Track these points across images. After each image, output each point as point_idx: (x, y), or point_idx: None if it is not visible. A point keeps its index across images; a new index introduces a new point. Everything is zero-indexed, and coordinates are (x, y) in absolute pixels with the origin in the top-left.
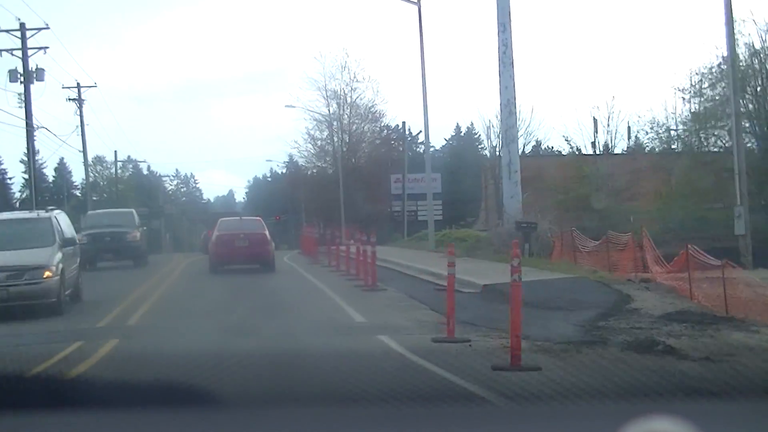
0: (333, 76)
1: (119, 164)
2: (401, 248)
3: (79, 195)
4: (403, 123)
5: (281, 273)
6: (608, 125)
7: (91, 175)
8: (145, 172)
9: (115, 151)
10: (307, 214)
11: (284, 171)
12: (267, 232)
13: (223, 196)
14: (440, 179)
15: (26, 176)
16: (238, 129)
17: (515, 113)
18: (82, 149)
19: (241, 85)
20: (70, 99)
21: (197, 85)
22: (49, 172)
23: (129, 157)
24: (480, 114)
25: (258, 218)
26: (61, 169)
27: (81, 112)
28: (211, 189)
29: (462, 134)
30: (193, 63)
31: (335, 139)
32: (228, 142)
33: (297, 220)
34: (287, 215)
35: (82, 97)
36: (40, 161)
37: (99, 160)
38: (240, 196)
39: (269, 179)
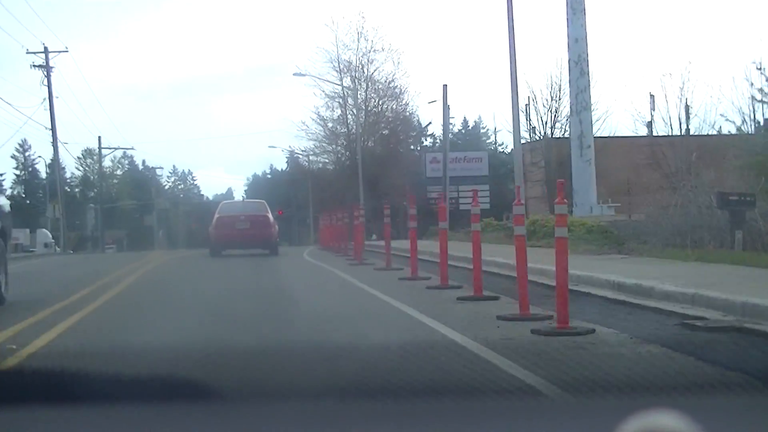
0: (347, 46)
1: (113, 160)
2: (462, 242)
3: (76, 192)
4: (444, 86)
5: (316, 280)
6: (681, 95)
7: (81, 169)
8: (140, 167)
9: (99, 137)
10: (315, 205)
11: (286, 163)
12: (270, 215)
13: (222, 194)
14: (486, 158)
15: (17, 173)
16: (238, 126)
17: (588, 73)
18: (51, 126)
19: (240, 82)
20: (35, 66)
21: (196, 81)
22: (42, 168)
23: (125, 153)
24: (483, 113)
25: (261, 201)
26: (54, 165)
27: (49, 81)
28: (209, 186)
29: (469, 128)
30: (192, 58)
31: (350, 117)
32: (227, 140)
33: (302, 215)
34: (290, 210)
35: (51, 64)
36: (32, 157)
37: (89, 152)
38: (239, 194)
39: (269, 176)
